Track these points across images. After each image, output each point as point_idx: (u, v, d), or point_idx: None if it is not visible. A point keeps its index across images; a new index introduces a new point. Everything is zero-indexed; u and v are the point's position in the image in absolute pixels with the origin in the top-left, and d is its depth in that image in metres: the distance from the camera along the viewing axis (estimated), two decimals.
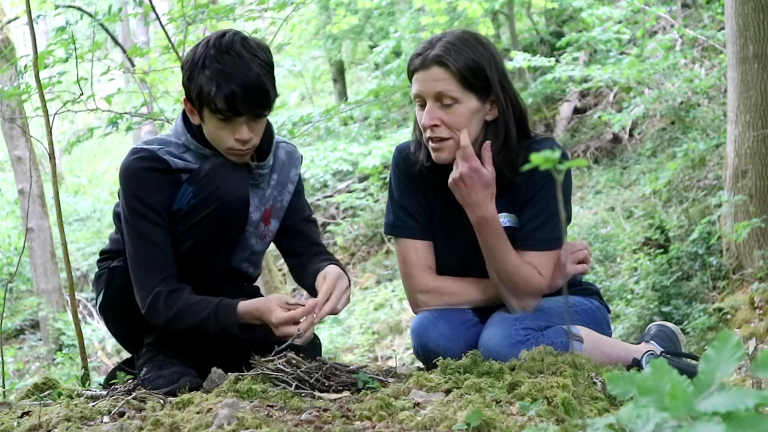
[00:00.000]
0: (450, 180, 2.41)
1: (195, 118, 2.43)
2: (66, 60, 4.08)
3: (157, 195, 2.42)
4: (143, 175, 2.42)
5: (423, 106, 2.44)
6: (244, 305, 2.37)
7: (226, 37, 2.36)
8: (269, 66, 2.40)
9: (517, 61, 9.95)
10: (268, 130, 2.56)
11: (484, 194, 2.39)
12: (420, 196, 2.58)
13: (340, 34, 12.36)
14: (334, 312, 2.37)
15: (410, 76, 2.48)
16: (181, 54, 4.84)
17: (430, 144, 2.45)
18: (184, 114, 2.51)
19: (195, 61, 2.35)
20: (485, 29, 10.17)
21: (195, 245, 2.42)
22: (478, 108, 2.43)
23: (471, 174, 2.37)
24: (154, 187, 2.42)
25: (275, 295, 2.40)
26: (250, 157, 2.49)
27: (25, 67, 4.13)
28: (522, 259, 2.44)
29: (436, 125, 2.40)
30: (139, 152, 2.45)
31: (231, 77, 2.31)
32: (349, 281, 2.47)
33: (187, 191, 2.42)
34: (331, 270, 2.43)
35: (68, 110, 3.85)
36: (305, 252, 2.63)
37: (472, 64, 2.39)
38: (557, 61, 10.32)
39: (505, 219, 2.51)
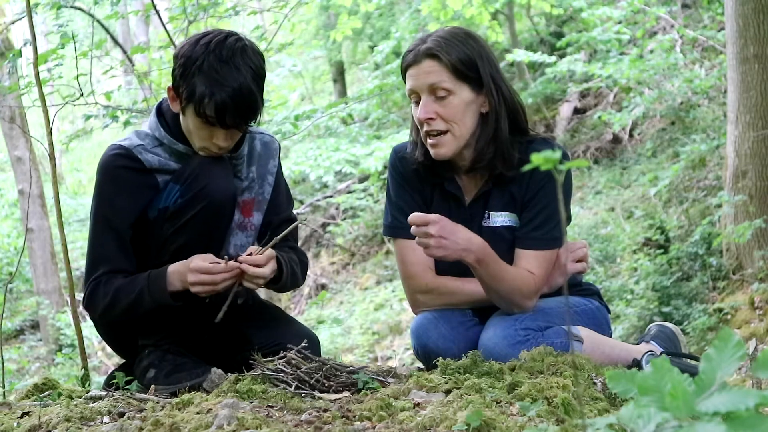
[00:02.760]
0: (429, 251, 2.33)
1: (175, 106, 2.44)
2: (63, 47, 4.08)
3: (127, 198, 2.44)
4: (117, 174, 2.45)
5: (418, 102, 2.45)
6: (172, 267, 2.37)
7: (227, 44, 2.35)
8: (262, 77, 2.41)
9: (518, 55, 9.95)
10: None
11: (461, 232, 2.33)
12: (417, 196, 2.58)
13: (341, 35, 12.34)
14: (258, 267, 2.33)
15: (404, 74, 2.49)
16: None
17: (428, 140, 2.45)
18: (158, 107, 2.53)
19: (192, 59, 2.34)
20: (494, 35, 10.12)
21: (186, 244, 2.42)
22: (473, 99, 2.44)
23: (436, 235, 2.28)
24: (125, 189, 2.44)
25: (200, 255, 2.37)
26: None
27: (18, 52, 4.10)
28: (515, 270, 2.43)
29: (431, 118, 2.41)
30: (116, 149, 2.47)
31: (225, 90, 2.31)
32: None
33: (173, 190, 2.42)
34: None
35: (68, 102, 3.85)
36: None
37: (462, 55, 2.41)
38: (559, 57, 10.31)
39: (505, 218, 2.51)
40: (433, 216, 2.31)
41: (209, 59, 2.32)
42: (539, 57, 10.03)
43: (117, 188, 2.45)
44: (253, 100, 2.36)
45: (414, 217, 2.30)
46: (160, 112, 2.52)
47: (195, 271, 2.32)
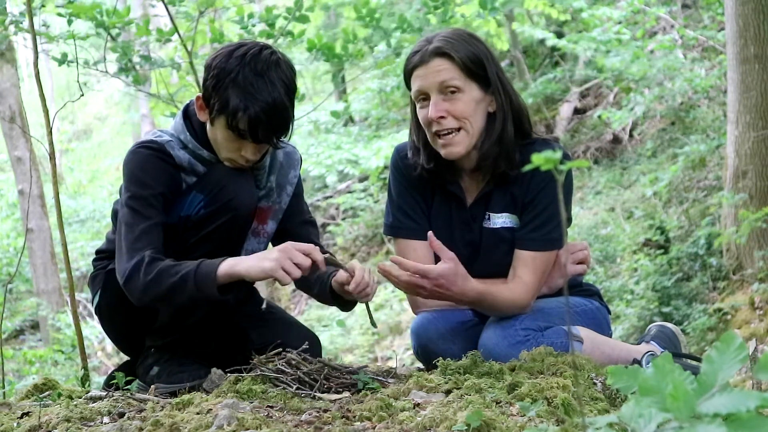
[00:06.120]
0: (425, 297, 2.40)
1: (203, 116, 2.41)
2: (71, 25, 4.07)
3: (160, 178, 2.37)
4: (148, 160, 2.38)
5: (424, 105, 2.44)
6: (230, 259, 2.26)
7: (262, 57, 2.32)
8: (294, 91, 2.39)
9: (536, 33, 10.00)
10: None
11: (456, 286, 2.35)
12: (418, 197, 2.58)
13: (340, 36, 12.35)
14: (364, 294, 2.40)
15: (408, 76, 2.48)
16: (188, 48, 4.85)
17: (439, 140, 2.44)
18: (185, 110, 2.49)
19: (227, 70, 2.31)
20: (500, 42, 10.12)
21: (207, 253, 2.39)
22: (482, 97, 2.44)
23: (429, 288, 2.34)
24: (157, 171, 2.38)
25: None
26: None
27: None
28: (507, 291, 2.44)
29: (443, 117, 2.40)
30: (147, 143, 2.42)
31: (259, 104, 2.28)
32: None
33: (196, 199, 2.39)
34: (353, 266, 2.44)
35: (71, 61, 3.82)
36: None
37: (470, 54, 2.42)
38: (560, 57, 10.34)
39: (506, 219, 2.51)
40: (434, 271, 2.31)
41: (244, 72, 2.29)
42: (548, 35, 10.06)
43: (149, 171, 2.37)
44: (285, 115, 2.33)
45: (411, 266, 2.32)
46: (187, 115, 2.48)
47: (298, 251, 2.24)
